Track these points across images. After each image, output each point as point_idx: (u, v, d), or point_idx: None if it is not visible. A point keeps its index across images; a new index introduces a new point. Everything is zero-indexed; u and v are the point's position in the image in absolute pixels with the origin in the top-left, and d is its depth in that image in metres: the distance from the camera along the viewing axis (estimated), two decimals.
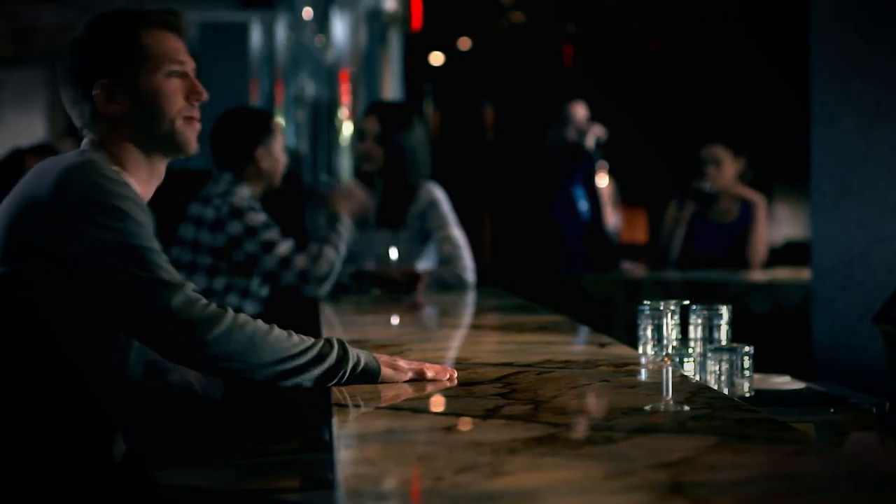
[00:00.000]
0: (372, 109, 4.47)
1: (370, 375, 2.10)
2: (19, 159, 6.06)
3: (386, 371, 2.11)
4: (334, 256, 3.80)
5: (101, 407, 2.13)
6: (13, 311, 2.07)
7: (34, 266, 2.05)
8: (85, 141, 2.25)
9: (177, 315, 1.98)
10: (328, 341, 2.08)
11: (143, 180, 2.22)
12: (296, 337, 2.07)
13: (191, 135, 2.26)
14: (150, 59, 2.22)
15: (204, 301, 2.02)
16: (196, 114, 2.27)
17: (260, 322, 2.06)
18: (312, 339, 2.08)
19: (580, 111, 5.31)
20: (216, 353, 2.00)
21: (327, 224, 3.88)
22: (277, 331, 2.06)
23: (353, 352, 2.09)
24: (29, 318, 2.06)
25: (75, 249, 2.02)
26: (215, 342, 1.99)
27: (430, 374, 2.15)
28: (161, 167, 2.27)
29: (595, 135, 5.43)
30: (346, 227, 3.88)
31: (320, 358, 2.05)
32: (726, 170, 5.42)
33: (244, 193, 3.75)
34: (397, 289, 4.03)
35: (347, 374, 2.07)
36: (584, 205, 5.71)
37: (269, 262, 3.69)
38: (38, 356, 2.06)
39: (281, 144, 3.97)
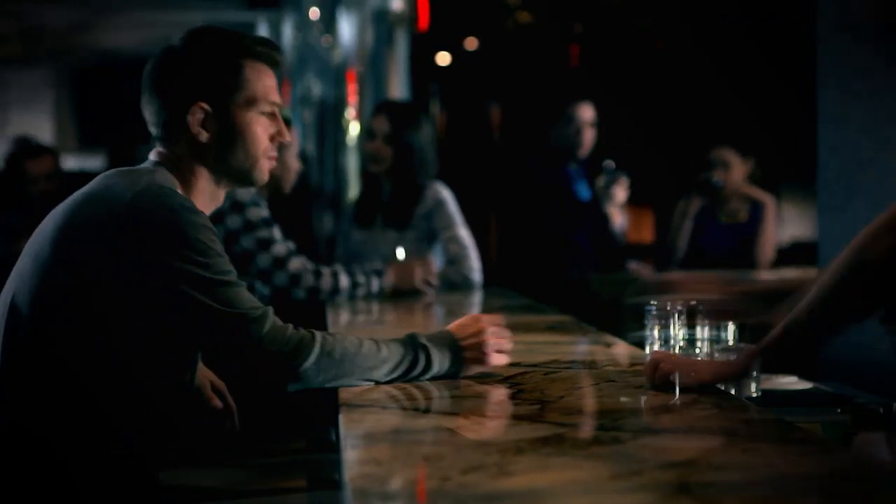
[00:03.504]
0: (381, 109, 4.46)
1: (454, 374, 2.19)
2: (19, 161, 6.06)
3: (469, 369, 2.20)
4: (345, 288, 3.76)
5: (112, 416, 2.11)
6: (50, 322, 2.05)
7: (89, 281, 2.03)
8: (155, 153, 2.23)
9: (266, 348, 2.02)
10: (414, 350, 2.14)
11: (205, 204, 2.21)
12: (384, 350, 2.12)
13: (266, 173, 2.27)
14: (248, 94, 2.21)
15: (290, 330, 2.05)
16: (276, 154, 2.29)
17: (348, 340, 2.09)
18: (400, 351, 2.13)
19: (586, 112, 5.26)
20: (307, 381, 2.05)
21: (370, 268, 3.85)
22: (366, 346, 2.11)
23: (436, 358, 2.16)
24: (66, 329, 2.04)
25: (152, 277, 2.01)
26: (305, 374, 2.04)
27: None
28: (222, 194, 2.28)
29: (621, 199, 5.31)
30: (376, 285, 3.85)
31: (407, 371, 2.13)
32: (735, 172, 5.40)
33: (250, 189, 3.71)
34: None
35: (430, 377, 2.16)
36: None
37: (263, 261, 3.66)
38: (59, 364, 2.05)
39: (294, 150, 3.94)
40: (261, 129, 2.23)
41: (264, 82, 2.23)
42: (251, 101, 2.21)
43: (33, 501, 2.05)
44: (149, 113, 2.23)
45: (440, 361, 2.16)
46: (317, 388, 2.08)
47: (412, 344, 2.16)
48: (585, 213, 5.20)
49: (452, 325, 2.24)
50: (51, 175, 5.95)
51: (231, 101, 2.20)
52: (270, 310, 2.07)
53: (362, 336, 2.13)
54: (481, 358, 2.20)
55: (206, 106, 2.18)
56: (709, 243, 5.36)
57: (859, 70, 3.61)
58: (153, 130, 2.24)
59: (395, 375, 2.12)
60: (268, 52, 2.25)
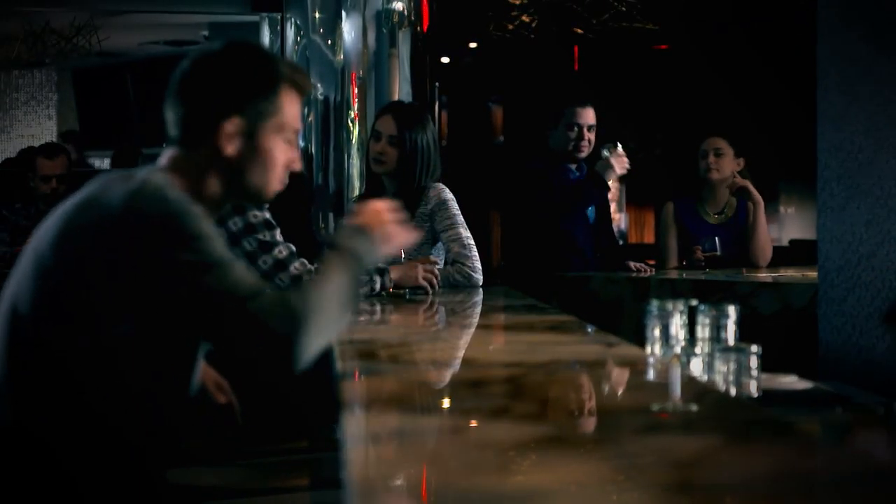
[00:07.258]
0: (387, 110, 4.47)
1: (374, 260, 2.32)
2: (30, 159, 6.10)
3: (382, 251, 2.33)
4: None
5: (115, 417, 2.12)
6: (51, 324, 2.06)
7: (88, 283, 2.04)
8: (168, 155, 2.23)
9: (264, 321, 2.02)
10: (343, 256, 2.22)
11: (207, 212, 2.21)
12: (326, 271, 2.17)
13: (272, 195, 2.33)
14: (279, 120, 2.25)
15: (284, 300, 2.06)
16: (287, 180, 2.33)
17: (308, 286, 2.12)
18: (338, 264, 2.19)
19: (584, 116, 5.19)
20: (304, 348, 2.05)
21: (371, 267, 3.85)
22: (325, 283, 2.14)
23: (363, 252, 2.25)
24: (67, 331, 2.05)
25: (150, 273, 2.02)
26: (299, 341, 2.04)
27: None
28: (225, 205, 2.31)
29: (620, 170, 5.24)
30: (378, 284, 3.85)
31: (355, 277, 2.21)
32: (728, 161, 5.38)
33: None
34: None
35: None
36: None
37: (264, 263, 3.66)
38: (61, 366, 2.06)
39: None
40: (281, 155, 2.28)
41: (294, 110, 2.28)
42: (280, 127, 2.25)
43: (36, 502, 2.06)
44: (174, 114, 2.23)
45: (367, 253, 2.25)
46: (316, 388, 2.09)
47: (338, 252, 2.22)
48: (585, 213, 5.21)
49: (354, 219, 2.32)
50: (63, 176, 5.97)
51: (263, 123, 2.23)
52: (266, 285, 2.08)
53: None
54: (389, 239, 2.32)
55: (239, 122, 2.21)
56: (700, 244, 5.33)
57: (860, 70, 3.62)
58: (173, 131, 2.24)
59: (353, 290, 2.18)
60: (302, 82, 2.30)
